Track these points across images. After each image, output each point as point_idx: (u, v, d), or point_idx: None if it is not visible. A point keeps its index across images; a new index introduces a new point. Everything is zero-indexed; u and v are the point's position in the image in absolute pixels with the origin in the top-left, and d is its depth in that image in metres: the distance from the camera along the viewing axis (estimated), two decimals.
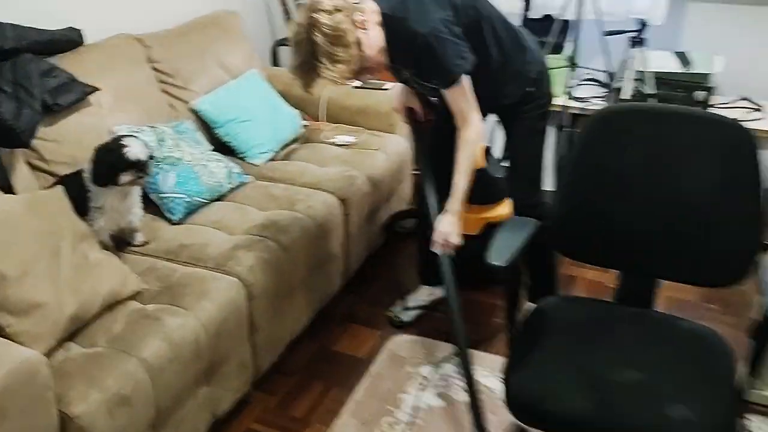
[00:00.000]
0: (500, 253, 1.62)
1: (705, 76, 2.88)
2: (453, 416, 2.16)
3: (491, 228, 2.59)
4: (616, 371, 1.57)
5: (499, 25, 2.08)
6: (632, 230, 1.73)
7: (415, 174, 3.22)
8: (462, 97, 2.00)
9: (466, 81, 1.98)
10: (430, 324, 2.60)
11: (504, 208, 2.66)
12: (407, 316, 2.61)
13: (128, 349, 1.75)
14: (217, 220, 2.37)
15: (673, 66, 2.96)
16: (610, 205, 1.73)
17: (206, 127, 2.85)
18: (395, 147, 3.05)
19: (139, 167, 2.06)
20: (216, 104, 2.87)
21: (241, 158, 2.84)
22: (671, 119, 1.67)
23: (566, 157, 2.11)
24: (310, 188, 2.62)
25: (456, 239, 2.12)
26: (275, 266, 2.20)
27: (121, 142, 2.06)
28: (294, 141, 3.07)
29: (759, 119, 2.86)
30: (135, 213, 2.20)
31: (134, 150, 2.04)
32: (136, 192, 2.20)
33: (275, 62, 3.66)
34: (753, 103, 3.00)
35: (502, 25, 2.10)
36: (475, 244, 2.71)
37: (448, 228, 2.10)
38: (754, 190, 1.59)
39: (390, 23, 1.93)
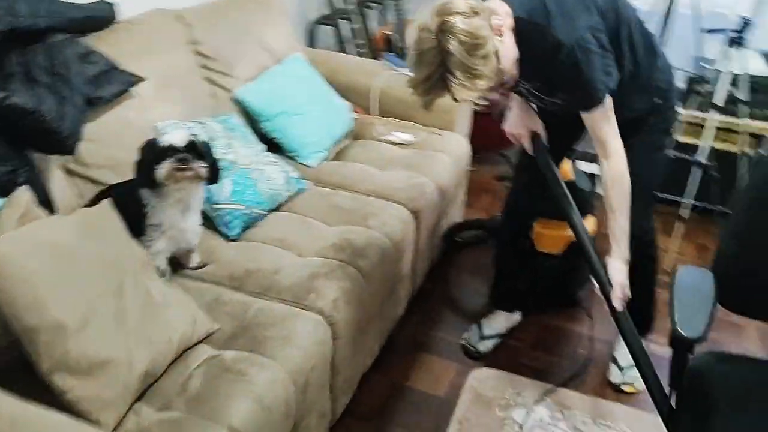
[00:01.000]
0: (691, 322, 1.33)
1: None
2: None
3: (574, 246, 2.32)
4: None
5: (635, 29, 1.77)
6: None
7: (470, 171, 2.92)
8: (605, 120, 1.69)
9: (609, 102, 1.67)
10: (507, 354, 2.32)
11: (589, 224, 2.38)
12: (484, 347, 2.32)
13: (213, 416, 1.42)
14: (282, 238, 2.03)
15: (764, 69, 2.69)
16: None
17: (249, 121, 2.48)
18: (457, 148, 2.73)
19: (177, 154, 1.66)
20: (262, 94, 2.50)
21: (292, 158, 2.49)
22: None
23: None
24: (377, 197, 2.29)
25: (629, 290, 1.79)
26: (358, 297, 1.88)
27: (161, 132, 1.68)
28: (344, 137, 2.72)
29: None
30: (195, 230, 1.84)
31: (170, 136, 1.66)
32: (198, 202, 1.83)
33: (311, 44, 3.29)
34: None
35: (639, 29, 1.78)
36: (557, 263, 2.46)
37: (623, 278, 1.76)
38: None
39: (525, 30, 1.59)
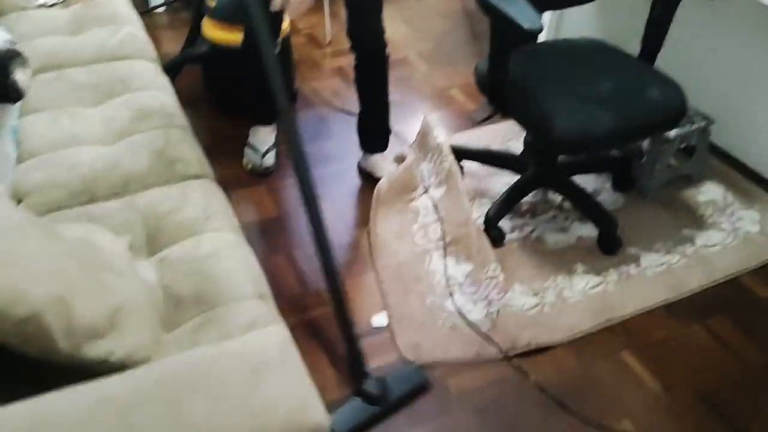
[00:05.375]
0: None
1: None
2: None
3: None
4: (601, 88, 1.92)
5: None
6: None
7: None
8: None
9: None
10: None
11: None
12: (269, 161, 2.40)
13: (220, 293, 1.33)
14: (69, 138, 1.70)
15: None
16: None
17: None
18: None
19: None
20: None
21: None
22: None
23: None
24: (110, 60, 2.02)
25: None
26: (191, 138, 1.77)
27: None
28: None
29: None
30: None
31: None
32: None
33: None
34: None
35: None
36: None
37: None
38: None
39: None
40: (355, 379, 1.66)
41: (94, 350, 1.09)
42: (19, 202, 1.53)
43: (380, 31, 2.14)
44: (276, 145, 2.46)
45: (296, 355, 1.06)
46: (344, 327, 1.65)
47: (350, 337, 1.65)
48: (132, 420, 0.90)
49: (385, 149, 2.40)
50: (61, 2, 2.30)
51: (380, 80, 2.25)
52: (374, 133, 2.38)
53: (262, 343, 1.05)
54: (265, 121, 2.45)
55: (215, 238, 1.47)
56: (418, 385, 1.70)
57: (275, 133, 2.48)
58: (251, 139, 2.44)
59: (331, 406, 1.35)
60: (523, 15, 1.69)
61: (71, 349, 1.07)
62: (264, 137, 2.44)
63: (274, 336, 1.07)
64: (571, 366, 1.78)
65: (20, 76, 1.41)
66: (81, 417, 0.91)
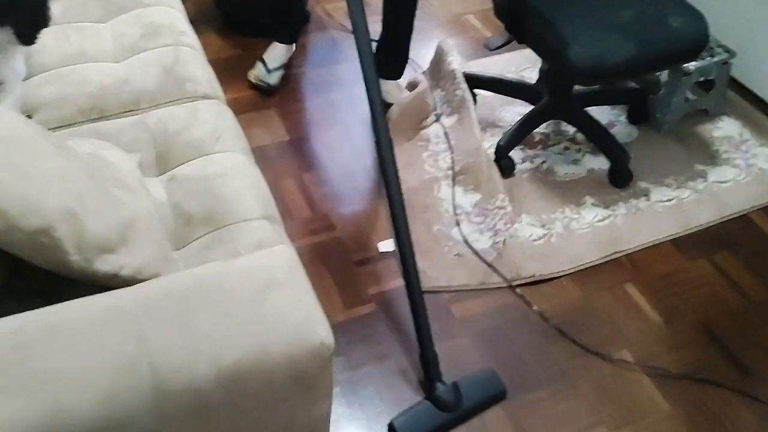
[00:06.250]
0: None
1: None
2: None
3: None
4: (622, 16, 1.87)
5: None
6: None
7: None
8: None
9: None
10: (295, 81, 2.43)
11: None
12: (273, 79, 2.38)
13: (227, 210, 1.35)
14: (77, 53, 1.69)
15: None
16: None
17: None
18: None
19: None
20: None
21: None
22: None
23: None
24: None
25: None
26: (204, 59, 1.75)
27: None
28: None
29: None
30: None
31: None
32: None
33: None
34: None
35: None
36: None
37: None
38: None
39: None
40: (427, 383, 1.57)
41: (105, 264, 1.11)
42: (29, 117, 1.53)
43: None
44: (285, 67, 2.43)
45: (302, 274, 1.08)
46: (420, 331, 1.59)
47: (425, 341, 1.58)
48: (141, 329, 0.92)
49: (400, 77, 2.37)
50: None
51: (411, 6, 2.20)
52: (392, 59, 2.34)
53: (269, 261, 1.07)
54: (284, 40, 2.42)
55: (225, 158, 1.47)
56: (493, 392, 1.59)
57: (291, 54, 2.45)
58: (265, 54, 2.42)
59: (336, 329, 1.38)
60: None
61: (82, 262, 1.08)
62: (278, 55, 2.41)
63: (282, 254, 1.09)
64: (574, 297, 1.80)
65: (53, 5, 1.40)
66: (92, 324, 0.94)
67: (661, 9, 1.90)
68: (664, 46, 1.85)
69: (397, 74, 2.36)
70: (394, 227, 1.63)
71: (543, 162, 2.16)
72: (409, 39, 2.29)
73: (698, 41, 1.87)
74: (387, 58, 2.32)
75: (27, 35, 1.42)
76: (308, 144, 2.21)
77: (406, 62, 2.35)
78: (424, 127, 2.26)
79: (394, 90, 2.34)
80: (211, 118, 1.56)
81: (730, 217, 2.02)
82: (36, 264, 1.05)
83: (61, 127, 1.50)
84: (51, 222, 1.03)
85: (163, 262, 1.21)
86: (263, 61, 2.39)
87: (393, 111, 2.26)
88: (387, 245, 1.90)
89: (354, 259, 1.86)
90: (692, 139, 2.27)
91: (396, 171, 1.63)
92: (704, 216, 2.01)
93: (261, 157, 2.07)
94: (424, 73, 2.46)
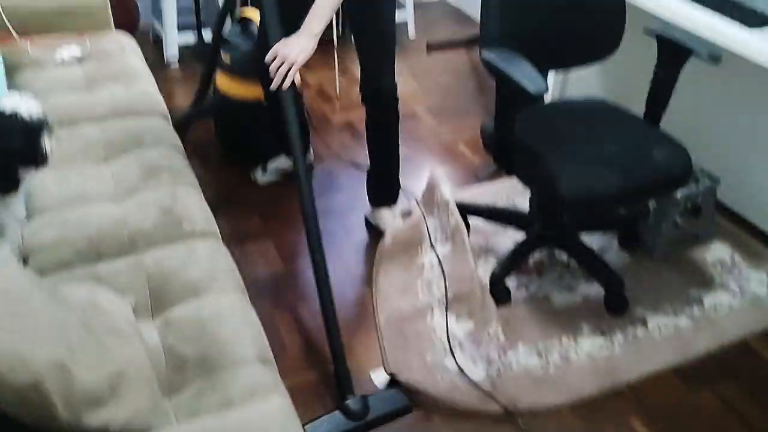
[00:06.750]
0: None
1: None
2: None
3: None
4: (607, 149, 1.94)
5: None
6: None
7: None
8: None
9: None
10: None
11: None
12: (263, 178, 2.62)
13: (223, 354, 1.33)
14: (78, 195, 1.73)
15: None
16: None
17: None
18: (129, 43, 2.52)
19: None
20: None
21: None
22: None
23: None
24: (124, 115, 2.06)
25: (303, 55, 1.81)
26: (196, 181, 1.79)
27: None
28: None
29: None
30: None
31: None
32: None
33: None
34: None
35: None
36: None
37: (296, 47, 1.80)
38: None
39: None
40: (338, 395, 1.75)
41: (94, 418, 1.09)
42: (25, 260, 1.54)
43: (393, 86, 2.17)
44: (282, 173, 2.62)
45: (297, 425, 1.06)
46: (333, 344, 1.77)
47: (338, 355, 1.77)
48: None
49: (395, 203, 2.42)
50: (78, 59, 2.36)
51: (392, 135, 2.28)
52: (384, 187, 2.40)
53: (263, 416, 1.05)
54: (287, 152, 2.56)
55: (219, 298, 1.47)
56: (398, 407, 1.78)
57: (289, 163, 2.58)
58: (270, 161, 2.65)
59: None
60: (528, 78, 1.71)
61: (71, 418, 1.06)
62: (279, 163, 2.63)
63: (275, 407, 1.07)
64: (577, 430, 1.75)
65: (48, 143, 1.46)
66: None
67: (644, 142, 1.97)
68: (649, 179, 1.90)
69: (390, 200, 2.41)
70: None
71: (538, 289, 2.17)
72: (398, 165, 2.36)
73: (682, 172, 1.93)
74: (379, 185, 2.39)
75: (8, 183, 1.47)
76: (303, 274, 2.22)
77: (399, 188, 2.41)
78: (419, 255, 2.28)
79: (388, 216, 2.39)
80: (206, 258, 1.58)
81: (729, 344, 2.00)
82: (23, 421, 1.02)
83: (58, 270, 1.51)
84: (40, 376, 1.02)
85: (154, 414, 1.18)
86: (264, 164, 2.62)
87: (387, 238, 2.29)
88: (379, 377, 1.87)
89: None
90: (685, 264, 2.29)
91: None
92: (703, 344, 1.99)
93: (256, 288, 2.08)
94: (417, 201, 2.52)
